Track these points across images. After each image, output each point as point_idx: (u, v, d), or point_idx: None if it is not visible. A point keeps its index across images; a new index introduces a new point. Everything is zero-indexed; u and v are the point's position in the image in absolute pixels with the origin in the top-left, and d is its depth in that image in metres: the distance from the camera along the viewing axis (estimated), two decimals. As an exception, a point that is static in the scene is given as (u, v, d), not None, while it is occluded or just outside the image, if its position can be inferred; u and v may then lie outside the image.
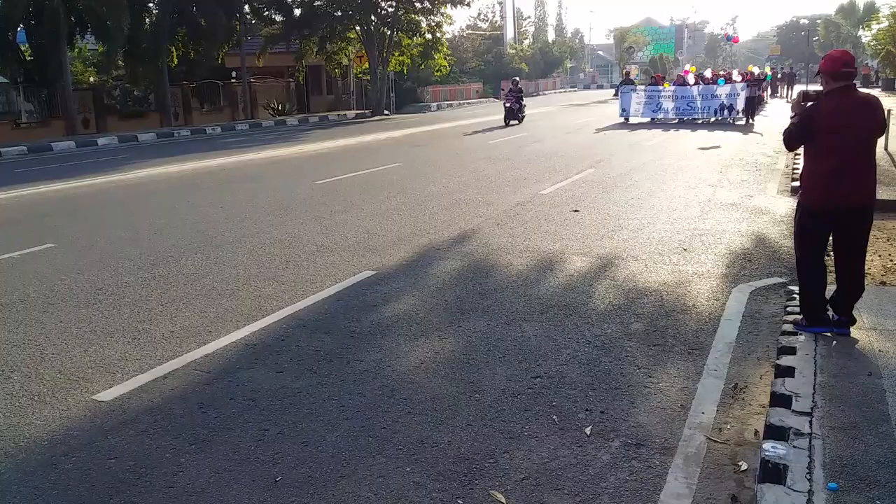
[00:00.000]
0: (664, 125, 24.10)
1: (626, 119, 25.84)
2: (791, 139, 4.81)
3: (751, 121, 23.64)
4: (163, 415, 4.06)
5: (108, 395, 4.33)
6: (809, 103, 4.76)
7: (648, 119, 25.54)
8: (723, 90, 24.19)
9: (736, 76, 26.76)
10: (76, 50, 31.16)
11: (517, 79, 28.06)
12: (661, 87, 25.97)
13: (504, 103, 26.58)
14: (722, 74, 28.66)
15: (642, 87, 27.22)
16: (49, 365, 4.82)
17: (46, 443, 3.79)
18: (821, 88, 4.84)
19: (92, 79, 31.93)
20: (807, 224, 4.76)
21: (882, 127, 4.66)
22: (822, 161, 4.61)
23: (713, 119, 24.53)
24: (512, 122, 25.75)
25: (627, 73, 31.84)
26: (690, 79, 26.19)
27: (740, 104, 23.68)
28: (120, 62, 29.85)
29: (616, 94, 30.13)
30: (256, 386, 4.40)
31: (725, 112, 24.16)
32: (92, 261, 7.62)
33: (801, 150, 4.90)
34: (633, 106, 25.83)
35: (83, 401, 4.26)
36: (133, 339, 5.27)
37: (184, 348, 5.04)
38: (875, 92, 36.25)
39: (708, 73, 28.35)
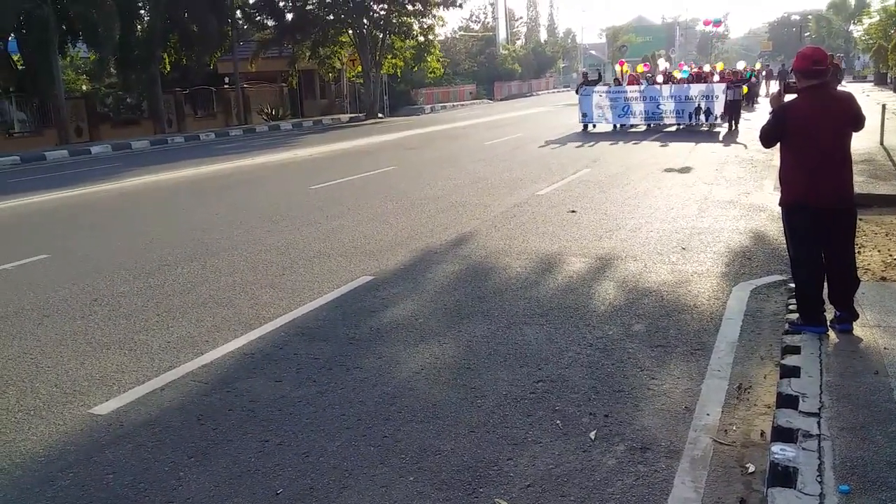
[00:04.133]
0: (625, 135, 20.42)
1: (588, 126, 22.34)
2: (765, 136, 4.79)
3: (734, 127, 20.40)
4: (161, 428, 4.00)
5: (104, 408, 4.26)
6: (788, 96, 4.73)
7: (612, 127, 21.94)
8: (697, 90, 20.76)
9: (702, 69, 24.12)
10: (68, 58, 31.14)
11: None
12: (626, 88, 22.47)
13: None
14: (688, 67, 26.14)
15: (605, 88, 23.18)
16: (45, 379, 4.76)
17: (43, 458, 3.73)
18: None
19: (84, 87, 31.85)
20: (792, 222, 4.72)
21: (856, 122, 4.59)
22: (797, 159, 4.60)
23: (686, 124, 21.18)
24: None
25: (585, 74, 26.36)
26: (660, 77, 23.49)
27: (719, 108, 20.14)
28: (112, 69, 29.76)
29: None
30: (255, 396, 4.35)
31: (702, 117, 20.60)
32: (87, 271, 7.55)
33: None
34: (596, 111, 22.03)
35: (80, 415, 4.20)
36: (129, 350, 5.20)
37: (181, 359, 4.98)
38: (867, 87, 36.45)
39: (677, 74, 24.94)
